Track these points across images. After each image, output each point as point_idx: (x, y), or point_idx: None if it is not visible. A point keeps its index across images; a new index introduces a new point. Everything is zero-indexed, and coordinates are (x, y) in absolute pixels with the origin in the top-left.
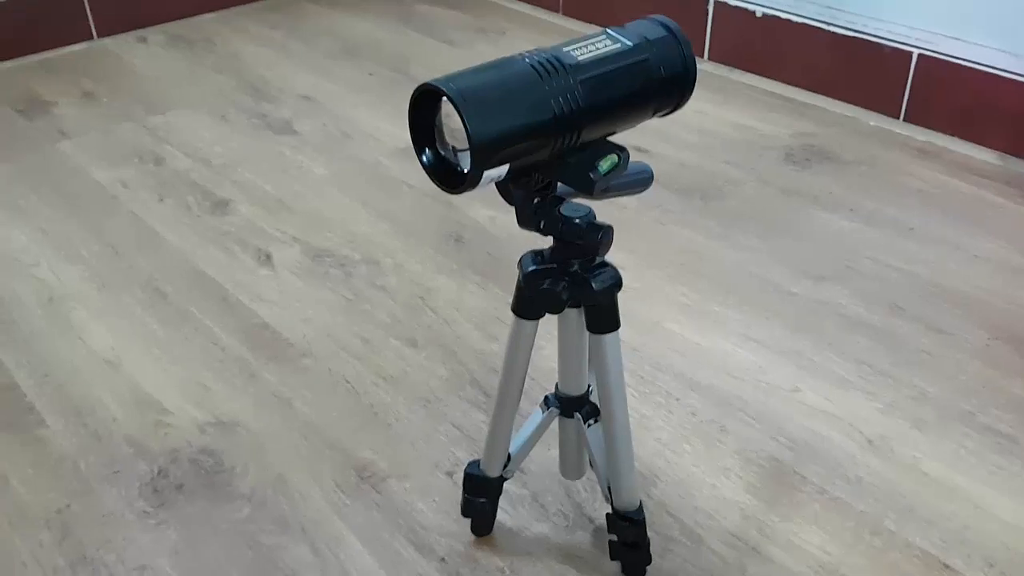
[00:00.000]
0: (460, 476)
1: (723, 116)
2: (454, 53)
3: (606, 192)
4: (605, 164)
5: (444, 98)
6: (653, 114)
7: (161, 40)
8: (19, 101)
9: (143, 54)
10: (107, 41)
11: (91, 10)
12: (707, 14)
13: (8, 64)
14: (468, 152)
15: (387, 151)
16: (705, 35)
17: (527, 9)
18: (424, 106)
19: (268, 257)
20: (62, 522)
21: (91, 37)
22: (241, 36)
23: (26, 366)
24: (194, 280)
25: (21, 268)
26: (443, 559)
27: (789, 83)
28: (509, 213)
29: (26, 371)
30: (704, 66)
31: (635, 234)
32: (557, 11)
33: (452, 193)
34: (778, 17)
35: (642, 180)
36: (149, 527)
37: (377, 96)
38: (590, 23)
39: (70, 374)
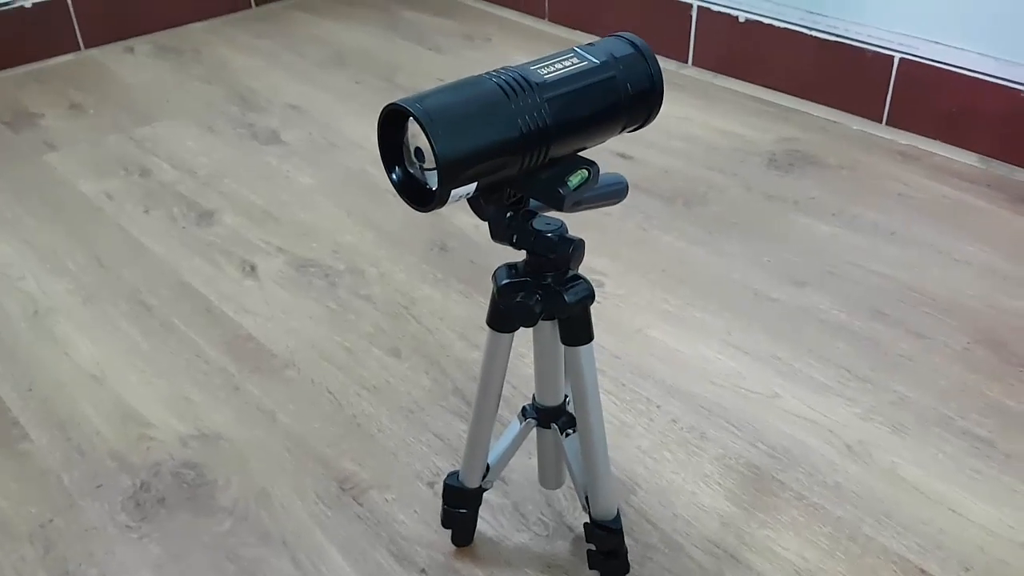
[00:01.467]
0: (441, 487)
1: (706, 122)
2: (441, 60)
3: (578, 205)
4: (575, 179)
5: (411, 118)
6: (622, 130)
7: (148, 50)
8: (5, 112)
9: (130, 64)
10: (94, 51)
11: (78, 20)
12: (691, 20)
13: None
14: (435, 171)
15: (373, 160)
16: (689, 41)
17: (514, 16)
18: (393, 125)
19: (253, 268)
20: (45, 536)
21: (78, 48)
22: (229, 46)
23: (10, 380)
24: (179, 292)
25: (6, 281)
26: (423, 570)
27: (772, 88)
28: None
29: (10, 384)
30: (687, 72)
31: (617, 240)
32: (544, 18)
33: (421, 211)
34: (761, 22)
35: (615, 192)
36: (131, 541)
37: (364, 105)
38: (576, 30)
39: (54, 388)
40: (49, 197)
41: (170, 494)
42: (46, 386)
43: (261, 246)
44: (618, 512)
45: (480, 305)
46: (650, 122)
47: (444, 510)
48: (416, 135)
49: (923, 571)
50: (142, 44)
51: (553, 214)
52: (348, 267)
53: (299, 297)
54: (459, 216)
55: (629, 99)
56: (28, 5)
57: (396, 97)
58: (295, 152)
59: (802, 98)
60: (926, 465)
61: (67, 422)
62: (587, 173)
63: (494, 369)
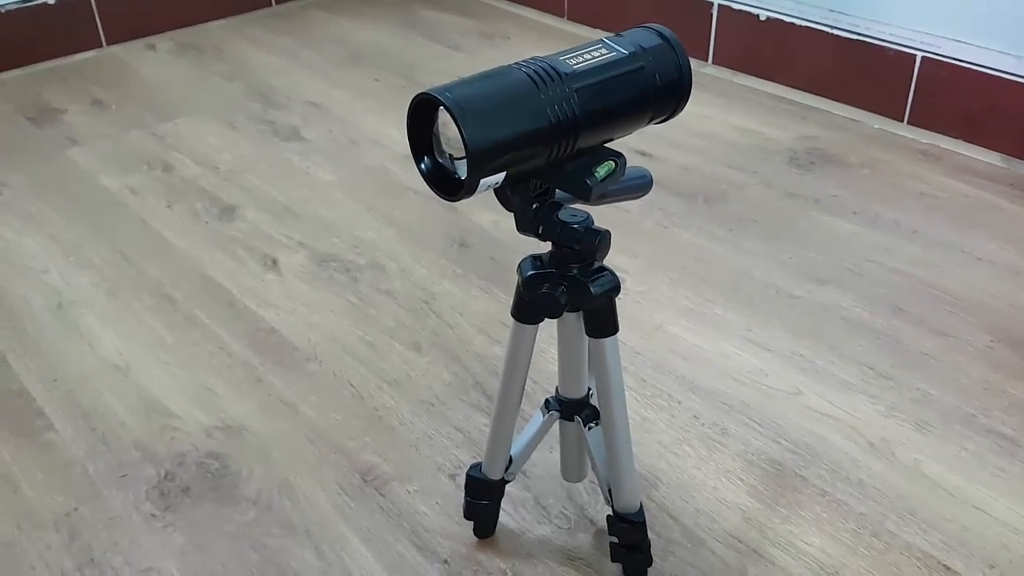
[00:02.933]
0: (463, 479)
1: (727, 119)
2: (460, 59)
3: (604, 198)
4: (602, 170)
5: (441, 107)
6: (649, 121)
7: (170, 47)
8: (29, 108)
9: (152, 61)
10: (116, 48)
11: (100, 18)
12: (711, 18)
13: (18, 72)
14: (464, 160)
15: (393, 157)
16: (709, 39)
17: (532, 14)
18: (422, 115)
19: (275, 262)
20: (70, 525)
21: (100, 45)
22: (249, 43)
23: (35, 371)
24: (202, 286)
25: (31, 274)
26: (446, 561)
27: (793, 86)
28: (512, 218)
29: (35, 376)
30: (708, 69)
31: (638, 237)
32: (562, 16)
33: (450, 200)
34: (782, 20)
35: (641, 185)
36: (156, 530)
37: (383, 102)
38: (595, 28)
39: (79, 379)
40: (72, 192)
41: (194, 484)
42: (70, 378)
43: (283, 241)
44: (641, 505)
45: (500, 301)
46: (677, 113)
47: (467, 502)
48: (446, 124)
49: (947, 568)
50: (163, 41)
51: (579, 206)
52: (369, 262)
53: (320, 291)
54: (478, 213)
55: (657, 90)
56: (52, 2)
57: (414, 95)
58: (315, 149)
59: (823, 96)
60: (949, 462)
61: (91, 413)
62: (614, 164)
63: (518, 361)
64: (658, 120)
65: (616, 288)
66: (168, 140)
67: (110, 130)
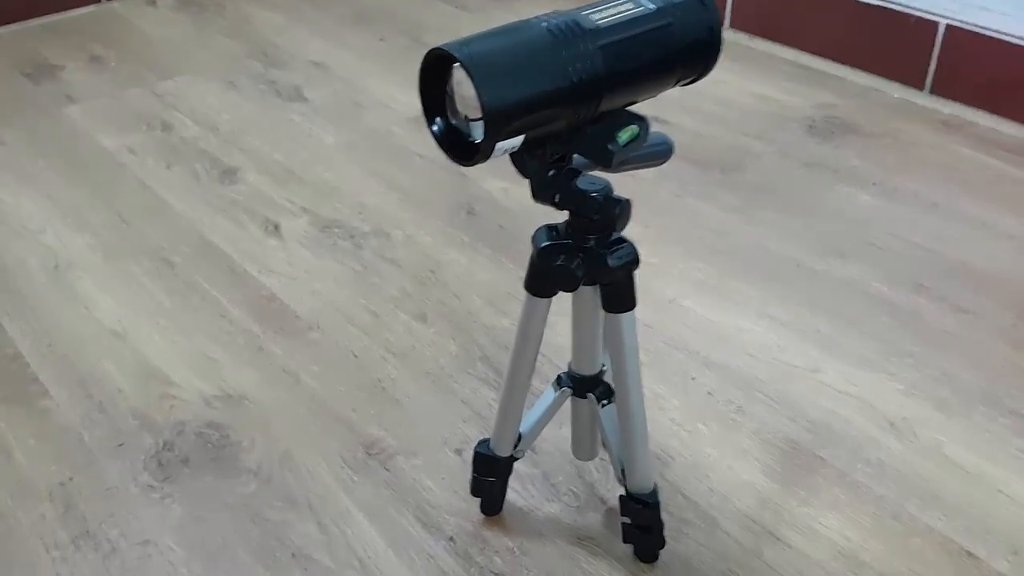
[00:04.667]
0: (469, 454)
1: (743, 86)
2: (468, 19)
3: (624, 165)
4: (625, 135)
5: (456, 64)
6: (676, 83)
7: (171, 3)
8: (26, 65)
9: (152, 18)
10: (115, 4)
11: None
12: None
13: (15, 27)
14: (481, 122)
15: (399, 120)
16: (726, 2)
17: None
18: (435, 73)
19: (276, 227)
20: (65, 495)
21: (99, 0)
22: (252, 0)
23: (30, 335)
24: (201, 250)
25: (26, 235)
26: (451, 538)
27: (812, 52)
28: (522, 185)
29: (30, 340)
30: (724, 34)
31: (651, 208)
32: None
33: (464, 165)
34: None
35: (661, 152)
36: (153, 501)
37: (389, 63)
38: None
39: (75, 344)
40: (69, 151)
41: (193, 454)
42: (66, 342)
43: (285, 205)
44: (655, 486)
45: (509, 272)
46: (706, 75)
47: (474, 478)
48: (461, 83)
49: (970, 553)
50: None
51: (598, 173)
52: (373, 229)
53: (323, 258)
54: (487, 180)
55: (686, 49)
56: None
57: (422, 55)
58: (318, 110)
59: (841, 63)
60: (972, 444)
61: (88, 379)
62: (637, 129)
63: (530, 335)
64: (685, 82)
65: (635, 261)
66: (168, 99)
67: (109, 88)
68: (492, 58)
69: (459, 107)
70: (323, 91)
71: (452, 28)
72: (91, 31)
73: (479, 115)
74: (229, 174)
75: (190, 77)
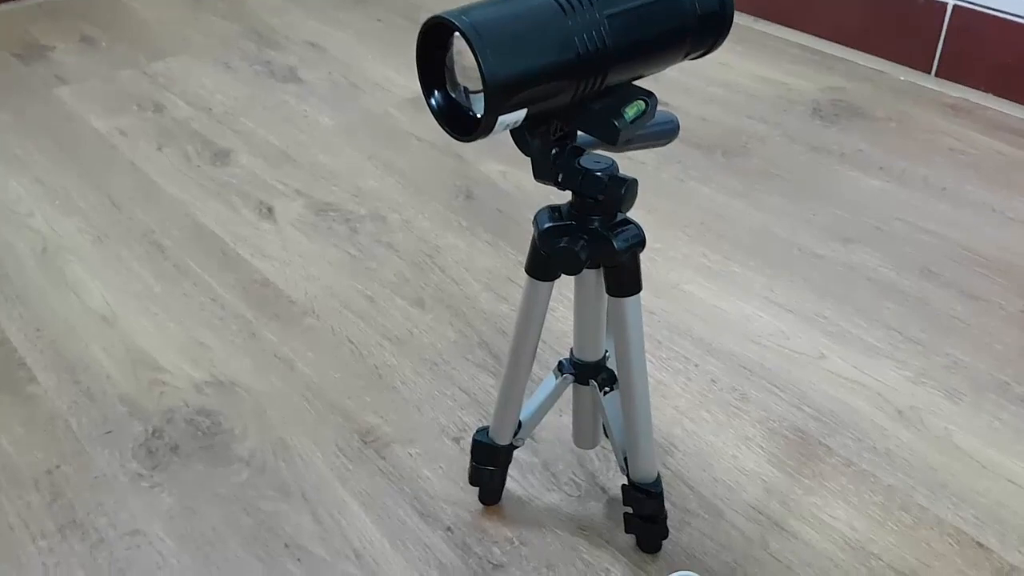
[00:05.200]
0: (468, 442)
1: (747, 68)
2: None
3: (629, 143)
4: (631, 111)
5: (456, 34)
6: (684, 56)
7: None
8: (16, 45)
9: None
10: None
11: None
12: None
13: (5, 7)
14: (482, 94)
15: (396, 102)
16: None
17: None
18: (434, 42)
19: (270, 211)
20: (52, 483)
21: None
22: None
23: (18, 320)
24: (193, 233)
25: (15, 218)
26: (449, 528)
27: (817, 35)
28: (521, 168)
29: (18, 326)
30: None
31: (654, 191)
32: None
33: (463, 141)
34: None
35: (668, 131)
36: (142, 490)
37: (386, 44)
38: None
39: (63, 330)
40: (60, 132)
41: (184, 442)
42: (54, 328)
43: (279, 188)
44: (658, 476)
45: (507, 256)
46: (715, 49)
47: (472, 467)
48: (461, 53)
49: (980, 545)
50: None
51: (602, 151)
52: (369, 213)
53: (318, 242)
54: (485, 163)
55: (696, 21)
56: None
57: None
58: (313, 92)
59: (848, 46)
60: (982, 433)
61: (76, 365)
62: (644, 105)
63: (531, 320)
64: (694, 55)
65: (641, 243)
66: (160, 80)
67: (100, 69)
68: (494, 27)
69: (459, 79)
70: (319, 72)
71: (450, 7)
72: (83, 11)
73: (480, 87)
74: (222, 156)
75: (183, 58)
